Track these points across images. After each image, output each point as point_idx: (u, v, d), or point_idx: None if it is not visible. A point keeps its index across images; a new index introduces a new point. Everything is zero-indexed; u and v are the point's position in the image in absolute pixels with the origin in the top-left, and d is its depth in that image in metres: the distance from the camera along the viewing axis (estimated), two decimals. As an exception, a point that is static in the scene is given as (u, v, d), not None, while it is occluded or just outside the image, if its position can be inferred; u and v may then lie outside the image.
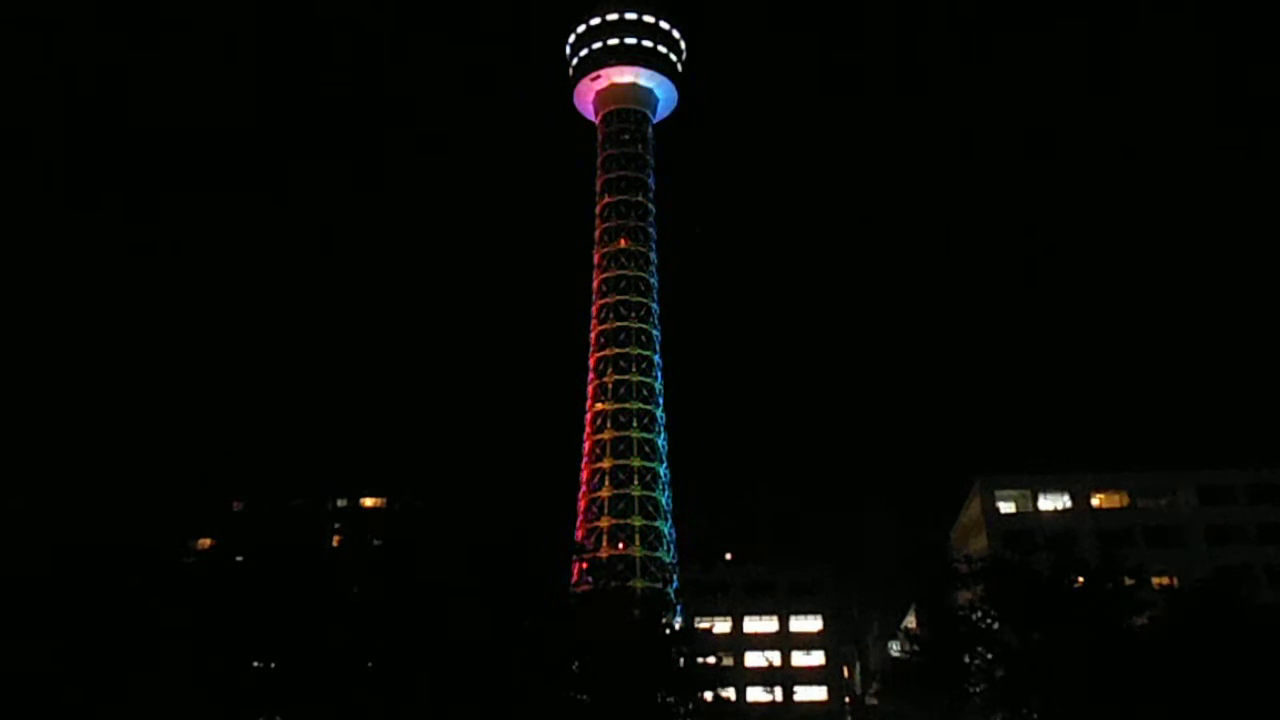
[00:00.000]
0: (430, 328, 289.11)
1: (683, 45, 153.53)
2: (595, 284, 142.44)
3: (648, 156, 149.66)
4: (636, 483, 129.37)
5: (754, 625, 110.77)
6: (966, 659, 52.60)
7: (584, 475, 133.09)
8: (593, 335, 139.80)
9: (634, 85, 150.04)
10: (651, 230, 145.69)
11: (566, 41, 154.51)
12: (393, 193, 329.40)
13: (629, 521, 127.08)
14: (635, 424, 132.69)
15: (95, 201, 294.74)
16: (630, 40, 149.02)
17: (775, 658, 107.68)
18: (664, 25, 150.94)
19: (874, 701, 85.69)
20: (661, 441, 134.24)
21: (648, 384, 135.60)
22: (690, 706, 55.58)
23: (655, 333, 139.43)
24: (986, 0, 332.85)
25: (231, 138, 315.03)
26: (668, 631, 57.26)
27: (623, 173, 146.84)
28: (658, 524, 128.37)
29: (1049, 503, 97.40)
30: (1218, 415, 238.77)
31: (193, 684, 41.30)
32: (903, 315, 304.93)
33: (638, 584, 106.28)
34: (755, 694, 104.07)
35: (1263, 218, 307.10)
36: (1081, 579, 51.96)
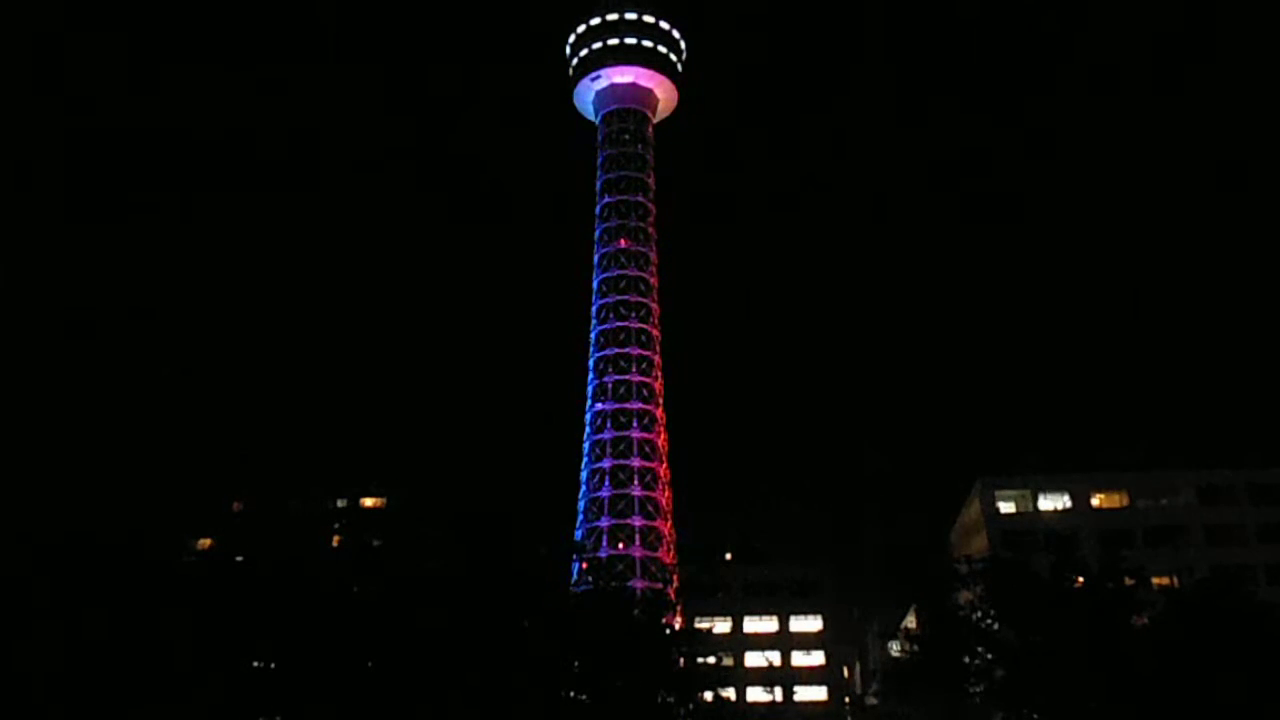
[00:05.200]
0: (430, 328, 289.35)
1: (683, 45, 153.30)
2: (595, 284, 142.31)
3: (648, 156, 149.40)
4: (636, 483, 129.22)
5: (754, 625, 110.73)
6: (966, 659, 52.55)
7: (584, 475, 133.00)
8: (593, 335, 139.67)
9: (634, 85, 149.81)
10: (651, 230, 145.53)
11: (566, 41, 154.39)
12: (392, 193, 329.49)
13: (629, 521, 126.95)
14: (635, 424, 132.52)
15: (99, 202, 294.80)
16: (630, 40, 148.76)
17: (775, 658, 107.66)
18: (664, 25, 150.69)
19: (874, 701, 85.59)
20: (661, 441, 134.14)
21: (648, 384, 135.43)
22: (690, 706, 55.51)
23: (655, 333, 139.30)
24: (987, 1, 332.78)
25: (231, 138, 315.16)
26: (668, 631, 57.17)
27: (622, 173, 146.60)
28: (658, 524, 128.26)
29: (1049, 503, 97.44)
30: (1218, 415, 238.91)
31: (193, 684, 41.28)
32: (903, 315, 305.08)
33: (638, 584, 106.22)
34: (755, 694, 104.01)
35: (1262, 218, 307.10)
36: (1081, 579, 51.93)
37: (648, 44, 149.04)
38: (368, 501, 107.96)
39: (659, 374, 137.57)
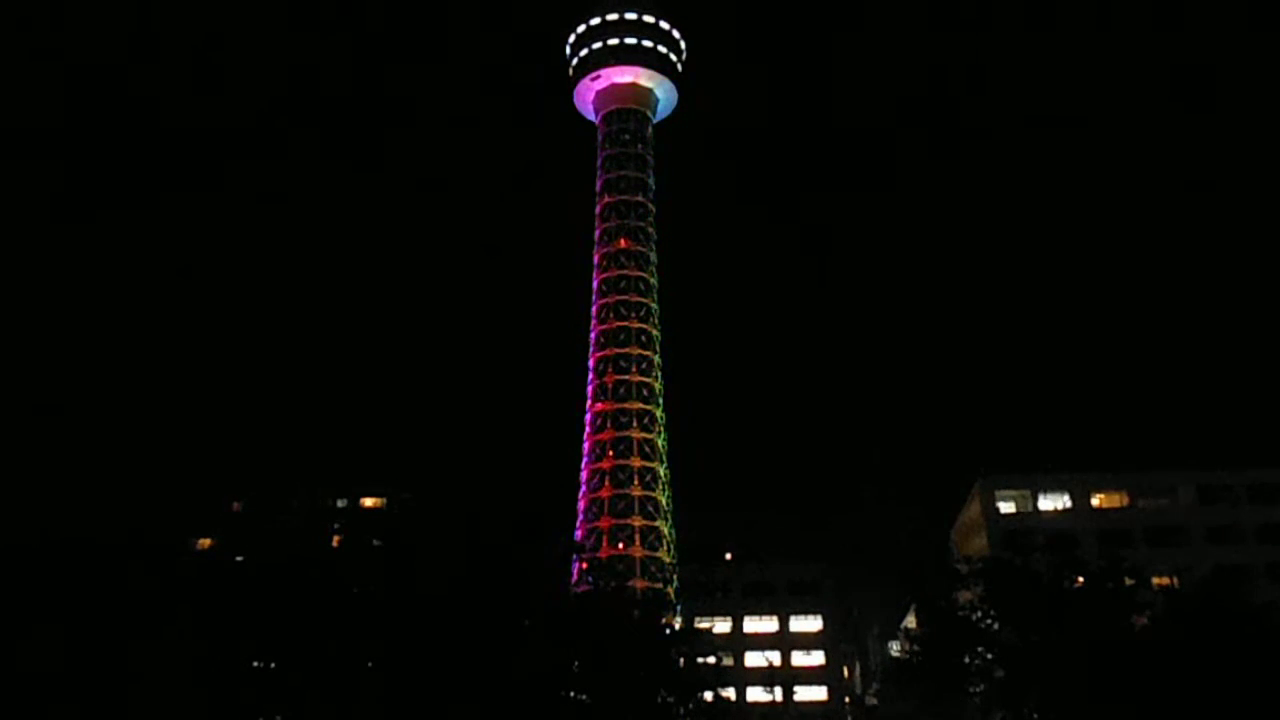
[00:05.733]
0: (431, 328, 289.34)
1: (683, 45, 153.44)
2: (595, 284, 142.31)
3: (648, 156, 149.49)
4: (636, 483, 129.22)
5: (754, 625, 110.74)
6: (966, 659, 52.55)
7: (584, 475, 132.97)
8: (593, 335, 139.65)
9: (634, 85, 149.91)
10: (651, 230, 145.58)
11: (566, 41, 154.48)
12: (393, 192, 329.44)
13: (629, 521, 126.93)
14: (635, 424, 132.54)
15: (96, 202, 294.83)
16: (630, 40, 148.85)
17: (775, 658, 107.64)
18: (664, 25, 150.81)
19: (874, 701, 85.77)
20: (661, 441, 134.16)
21: (648, 384, 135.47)
22: (690, 706, 55.56)
23: (655, 333, 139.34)
24: (984, 1, 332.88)
25: (231, 138, 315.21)
26: (668, 631, 57.24)
27: (623, 173, 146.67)
28: (658, 524, 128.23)
29: (1049, 503, 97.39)
30: (1218, 415, 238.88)
31: (193, 684, 41.29)
32: (904, 315, 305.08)
33: (638, 584, 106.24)
34: (755, 694, 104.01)
35: (1263, 217, 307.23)
36: (1081, 579, 51.95)
37: (648, 44, 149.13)
38: (368, 501, 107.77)
39: (659, 374, 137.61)
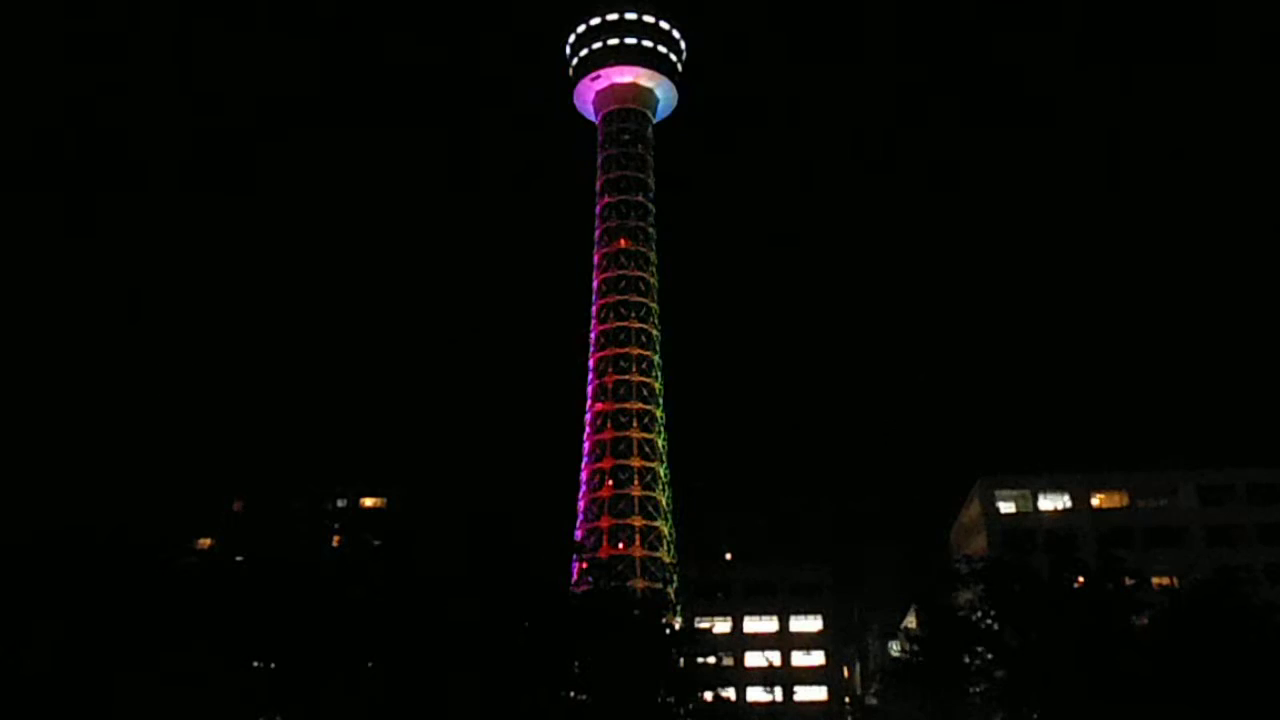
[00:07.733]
0: (430, 328, 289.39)
1: (683, 45, 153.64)
2: (595, 284, 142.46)
3: (648, 156, 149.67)
4: (636, 483, 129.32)
5: (754, 625, 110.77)
6: (966, 659, 52.59)
7: (584, 475, 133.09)
8: (593, 335, 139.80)
9: (634, 85, 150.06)
10: (651, 230, 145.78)
11: (566, 41, 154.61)
12: (393, 192, 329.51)
13: (629, 521, 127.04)
14: (635, 424, 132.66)
15: (94, 200, 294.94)
16: (630, 40, 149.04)
17: (775, 658, 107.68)
18: (664, 25, 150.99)
19: (874, 701, 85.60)
20: (661, 441, 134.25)
21: (648, 384, 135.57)
22: (690, 706, 55.57)
23: (655, 332, 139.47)
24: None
25: (231, 136, 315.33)
26: (668, 631, 57.25)
27: (623, 173, 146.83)
28: (658, 524, 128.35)
29: (1049, 503, 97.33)
30: (1218, 415, 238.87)
31: (192, 684, 41.30)
32: (903, 315, 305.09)
33: (638, 584, 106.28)
34: (755, 694, 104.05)
35: (1263, 217, 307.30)
36: (1081, 579, 51.96)
37: (648, 44, 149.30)
38: (368, 501, 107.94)
39: (659, 374, 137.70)
